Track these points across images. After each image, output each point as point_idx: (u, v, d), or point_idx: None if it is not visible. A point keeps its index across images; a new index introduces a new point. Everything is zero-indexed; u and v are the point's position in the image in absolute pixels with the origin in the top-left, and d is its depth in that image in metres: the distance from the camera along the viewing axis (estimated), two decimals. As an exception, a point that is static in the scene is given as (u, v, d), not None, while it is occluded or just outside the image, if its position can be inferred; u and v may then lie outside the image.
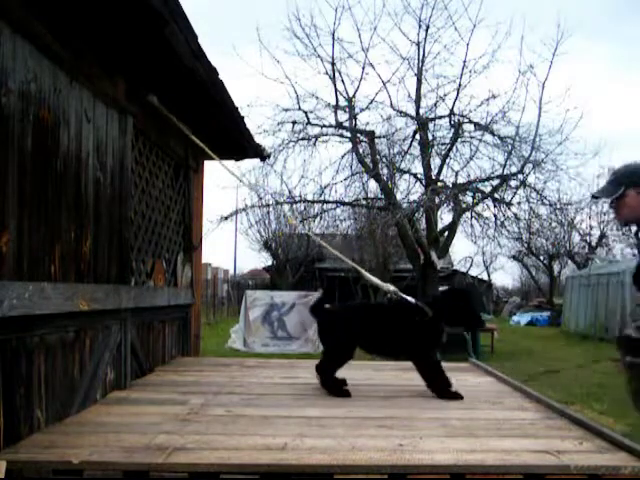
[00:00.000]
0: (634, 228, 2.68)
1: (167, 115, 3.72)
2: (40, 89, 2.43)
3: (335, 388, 3.24)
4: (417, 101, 10.63)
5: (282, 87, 21.06)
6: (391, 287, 3.50)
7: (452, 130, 10.73)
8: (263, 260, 22.38)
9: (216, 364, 4.51)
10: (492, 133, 10.48)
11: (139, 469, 1.97)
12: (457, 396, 3.16)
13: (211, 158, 5.25)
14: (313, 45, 10.60)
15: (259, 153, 5.28)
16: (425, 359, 3.27)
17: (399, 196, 10.89)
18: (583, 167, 20.95)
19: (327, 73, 10.74)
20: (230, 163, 5.62)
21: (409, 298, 3.38)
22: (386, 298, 3.80)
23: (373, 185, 11.45)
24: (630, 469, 2.01)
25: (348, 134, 10.96)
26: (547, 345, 13.30)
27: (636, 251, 2.81)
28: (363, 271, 3.85)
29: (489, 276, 28.86)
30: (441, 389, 3.19)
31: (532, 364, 9.30)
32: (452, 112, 10.53)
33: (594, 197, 2.97)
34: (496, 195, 10.72)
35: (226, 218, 10.52)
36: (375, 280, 3.72)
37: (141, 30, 2.69)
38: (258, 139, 5.35)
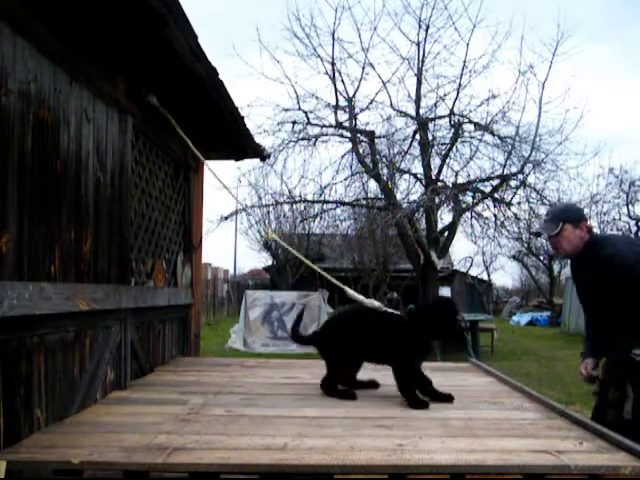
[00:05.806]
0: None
1: (166, 116, 3.73)
2: (40, 89, 2.43)
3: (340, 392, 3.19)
4: (417, 101, 10.64)
5: (282, 87, 21.09)
6: (375, 303, 3.48)
7: (452, 130, 10.74)
8: (263, 260, 22.40)
9: (216, 364, 4.51)
10: (492, 133, 10.49)
11: (139, 469, 1.97)
12: (424, 404, 2.97)
13: (211, 158, 5.27)
14: (313, 45, 10.62)
15: (259, 153, 5.28)
16: (401, 367, 3.14)
17: (399, 196, 10.91)
18: (583, 167, 20.95)
19: (327, 73, 10.75)
20: (230, 163, 5.64)
21: (390, 311, 3.39)
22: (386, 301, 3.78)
23: (373, 185, 11.48)
24: (630, 469, 2.01)
25: (348, 134, 10.96)
26: (547, 345, 13.30)
27: None
28: (346, 288, 3.77)
29: (489, 276, 28.89)
30: (412, 399, 3.02)
31: (532, 364, 9.30)
32: (452, 112, 10.53)
33: (536, 234, 3.29)
34: (496, 195, 10.73)
35: (226, 218, 10.53)
36: (359, 297, 3.63)
37: (141, 30, 2.69)
38: (258, 139, 5.35)
